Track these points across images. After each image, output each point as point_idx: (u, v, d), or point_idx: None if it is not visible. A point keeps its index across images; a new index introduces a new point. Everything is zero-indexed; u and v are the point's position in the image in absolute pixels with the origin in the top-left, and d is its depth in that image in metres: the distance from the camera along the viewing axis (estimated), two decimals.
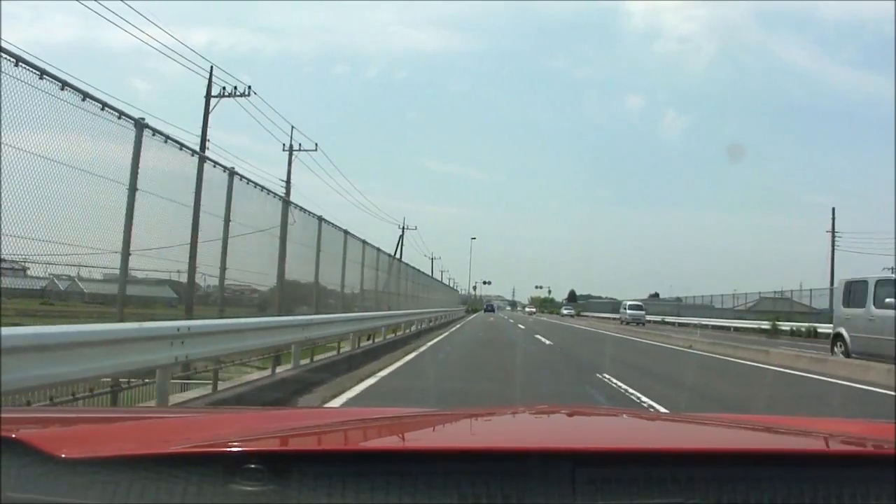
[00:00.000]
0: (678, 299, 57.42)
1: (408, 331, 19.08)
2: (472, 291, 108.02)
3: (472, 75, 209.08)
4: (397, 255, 36.05)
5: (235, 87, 23.08)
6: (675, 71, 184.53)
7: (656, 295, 75.44)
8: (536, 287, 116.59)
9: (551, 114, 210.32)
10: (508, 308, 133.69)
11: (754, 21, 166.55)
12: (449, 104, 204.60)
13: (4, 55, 4.07)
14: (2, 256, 4.43)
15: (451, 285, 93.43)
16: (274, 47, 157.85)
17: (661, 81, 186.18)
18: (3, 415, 1.16)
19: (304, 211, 10.85)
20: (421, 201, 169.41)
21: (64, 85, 4.62)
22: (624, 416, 1.80)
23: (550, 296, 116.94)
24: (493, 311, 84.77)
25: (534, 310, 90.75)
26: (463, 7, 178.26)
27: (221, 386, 6.94)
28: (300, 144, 29.27)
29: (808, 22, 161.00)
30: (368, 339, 14.02)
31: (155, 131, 5.78)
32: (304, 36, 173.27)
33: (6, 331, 3.21)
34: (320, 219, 11.28)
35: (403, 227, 54.55)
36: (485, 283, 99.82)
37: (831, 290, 26.23)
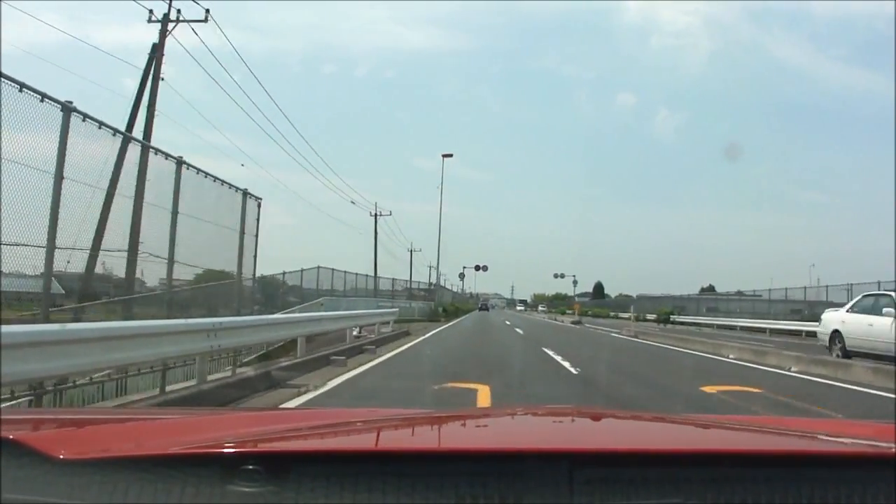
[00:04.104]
0: (739, 293, 44.97)
1: None
2: (460, 284, 78.13)
3: (462, 73, 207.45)
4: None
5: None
6: (671, 67, 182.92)
7: (711, 288, 60.98)
8: (555, 276, 75.37)
9: (544, 111, 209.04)
10: (520, 307, 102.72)
11: (746, 18, 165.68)
12: (439, 103, 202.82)
13: None
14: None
15: (443, 283, 65.31)
16: (262, 46, 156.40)
17: (656, 78, 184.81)
18: (1, 416, 1.16)
19: None
20: (411, 200, 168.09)
21: None
22: (622, 417, 1.80)
23: (575, 289, 77.37)
24: (487, 310, 74.85)
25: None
26: (452, 5, 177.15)
27: None
28: None
29: (799, 19, 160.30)
30: None
31: None
32: (292, 34, 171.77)
33: None
34: None
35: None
36: (478, 268, 65.93)
37: None
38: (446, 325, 29.41)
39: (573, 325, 35.11)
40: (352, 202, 39.32)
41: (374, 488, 0.86)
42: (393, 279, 43.96)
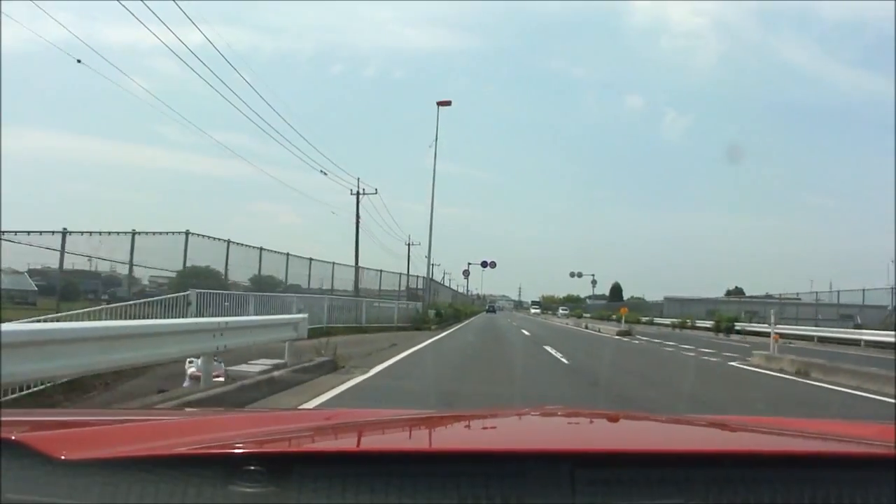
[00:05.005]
0: (768, 296, 42.00)
1: None
2: (465, 283, 70.30)
3: (470, 74, 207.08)
4: None
5: None
6: (678, 69, 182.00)
7: (739, 291, 57.52)
8: (571, 275, 66.30)
9: (550, 112, 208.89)
10: (535, 310, 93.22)
11: (755, 19, 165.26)
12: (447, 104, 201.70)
13: None
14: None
15: (448, 283, 59.93)
16: (271, 46, 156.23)
17: (664, 80, 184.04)
18: (2, 417, 1.16)
19: None
20: (420, 201, 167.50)
21: None
22: (623, 417, 1.80)
23: (594, 290, 70.21)
24: (494, 312, 73.70)
25: None
26: (461, 6, 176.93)
27: None
28: None
29: (808, 21, 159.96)
30: None
31: None
32: (301, 34, 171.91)
33: None
34: None
35: None
36: (485, 265, 53.90)
37: None
38: (431, 340, 18.03)
39: (624, 339, 23.96)
40: (322, 171, 28.20)
41: (376, 489, 0.86)
42: (357, 267, 30.82)
